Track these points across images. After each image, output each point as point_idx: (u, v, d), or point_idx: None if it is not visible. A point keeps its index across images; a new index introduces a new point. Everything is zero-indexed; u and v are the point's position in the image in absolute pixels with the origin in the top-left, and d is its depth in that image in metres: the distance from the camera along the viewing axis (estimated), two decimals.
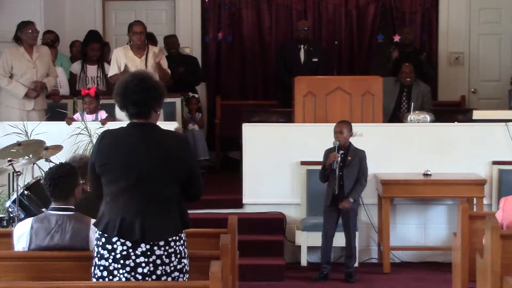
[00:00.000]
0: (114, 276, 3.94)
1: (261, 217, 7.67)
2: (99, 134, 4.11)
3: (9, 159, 6.72)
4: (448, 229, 7.64)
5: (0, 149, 7.07)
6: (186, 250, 4.09)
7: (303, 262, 7.46)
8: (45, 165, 6.94)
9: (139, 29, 8.02)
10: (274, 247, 7.37)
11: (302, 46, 9.64)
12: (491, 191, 7.61)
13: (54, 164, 4.43)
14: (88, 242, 4.29)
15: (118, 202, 3.96)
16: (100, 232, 3.98)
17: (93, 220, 4.32)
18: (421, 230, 7.79)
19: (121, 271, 3.93)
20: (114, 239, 3.93)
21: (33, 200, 6.38)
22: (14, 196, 6.49)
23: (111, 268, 3.95)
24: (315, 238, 7.23)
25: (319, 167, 7.11)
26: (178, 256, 4.02)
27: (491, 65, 10.84)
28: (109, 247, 3.95)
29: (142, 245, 3.93)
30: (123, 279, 3.93)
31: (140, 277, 3.94)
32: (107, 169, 3.97)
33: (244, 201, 7.78)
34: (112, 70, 8.12)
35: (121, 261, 3.93)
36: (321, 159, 7.06)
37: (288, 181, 7.75)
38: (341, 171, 6.93)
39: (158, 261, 3.95)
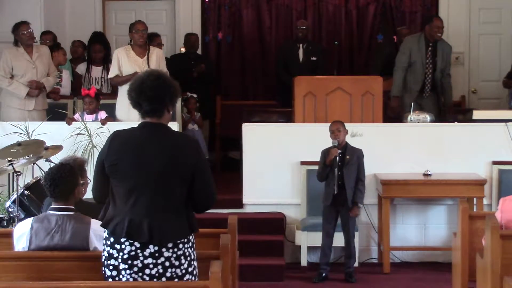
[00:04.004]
0: (123, 276, 3.93)
1: (261, 217, 7.67)
2: (111, 134, 4.06)
3: (9, 159, 6.72)
4: (448, 229, 7.64)
5: (0, 149, 7.08)
6: (195, 253, 4.06)
7: (303, 262, 7.46)
8: (45, 165, 6.95)
9: (141, 27, 7.96)
10: (274, 247, 7.37)
11: (301, 45, 9.67)
12: (491, 191, 7.61)
13: (54, 164, 4.41)
14: (88, 242, 4.28)
15: (127, 202, 3.93)
16: (109, 232, 3.97)
17: (93, 220, 4.33)
18: (421, 230, 7.79)
19: (128, 271, 3.91)
20: (123, 239, 3.91)
21: (33, 200, 6.38)
22: (14, 196, 6.49)
23: (120, 267, 3.93)
24: (315, 238, 7.23)
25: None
26: (188, 258, 3.99)
27: (491, 65, 10.83)
28: (118, 246, 3.93)
29: (151, 246, 3.90)
30: (131, 279, 3.90)
31: (147, 278, 3.91)
32: (117, 169, 3.94)
33: (244, 201, 7.78)
34: (112, 71, 7.99)
35: (129, 262, 3.91)
36: None
37: (288, 181, 7.75)
38: (340, 170, 6.92)
39: (167, 263, 3.92)
